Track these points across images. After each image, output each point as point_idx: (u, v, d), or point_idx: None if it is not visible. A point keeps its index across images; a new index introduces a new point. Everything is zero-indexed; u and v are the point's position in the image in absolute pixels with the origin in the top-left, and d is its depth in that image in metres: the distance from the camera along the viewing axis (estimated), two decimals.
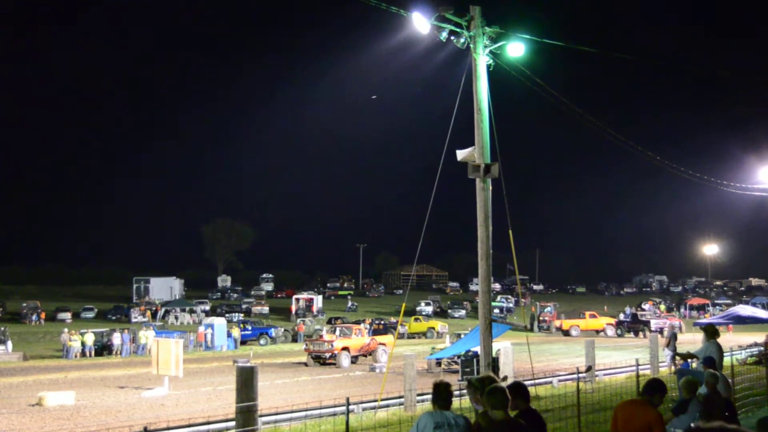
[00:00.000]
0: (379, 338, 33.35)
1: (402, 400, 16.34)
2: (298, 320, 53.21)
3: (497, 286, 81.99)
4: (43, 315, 56.58)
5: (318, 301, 65.17)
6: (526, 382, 18.59)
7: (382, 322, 51.19)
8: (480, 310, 11.76)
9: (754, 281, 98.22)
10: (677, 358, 18.48)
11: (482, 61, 11.73)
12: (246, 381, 10.30)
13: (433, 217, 13.82)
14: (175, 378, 21.94)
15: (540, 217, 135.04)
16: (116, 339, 38.91)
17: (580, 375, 13.35)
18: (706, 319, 35.77)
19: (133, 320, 54.79)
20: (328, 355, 29.78)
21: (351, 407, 11.06)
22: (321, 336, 34.01)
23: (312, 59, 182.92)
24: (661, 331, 41.35)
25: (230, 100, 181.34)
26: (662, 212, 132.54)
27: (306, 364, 30.13)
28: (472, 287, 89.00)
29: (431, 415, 5.28)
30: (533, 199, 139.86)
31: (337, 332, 32.16)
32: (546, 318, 57.51)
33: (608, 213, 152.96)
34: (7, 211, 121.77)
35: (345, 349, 30.13)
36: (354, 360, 30.63)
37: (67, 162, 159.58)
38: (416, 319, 54.98)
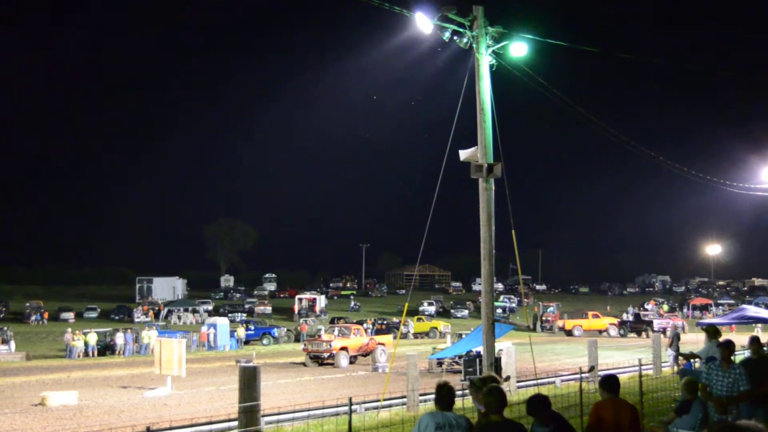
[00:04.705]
0: (378, 338, 33.25)
1: (404, 400, 16.35)
2: (301, 320, 53.28)
3: (500, 286, 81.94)
4: (45, 315, 56.72)
5: (321, 301, 65.19)
6: (529, 383, 18.46)
7: (385, 322, 51.19)
8: (483, 310, 11.75)
9: (757, 281, 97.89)
10: (680, 358, 18.46)
11: (485, 61, 11.73)
12: (249, 381, 10.32)
13: (436, 217, 13.82)
14: (178, 378, 21.95)
15: (543, 217, 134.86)
16: (119, 339, 38.96)
17: (583, 375, 13.33)
18: (710, 319, 35.74)
19: (136, 320, 54.88)
20: (326, 355, 29.61)
21: (354, 407, 11.06)
22: (319, 336, 33.91)
23: (314, 59, 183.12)
24: (663, 331, 41.29)
25: (233, 100, 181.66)
26: (665, 212, 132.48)
27: (304, 364, 30.09)
28: (475, 287, 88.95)
29: (432, 416, 5.28)
30: (536, 199, 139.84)
31: (336, 332, 31.97)
32: (549, 318, 57.50)
33: (611, 213, 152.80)
34: (10, 211, 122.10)
35: (343, 349, 29.95)
36: (353, 360, 30.45)
37: (69, 162, 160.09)
38: (419, 319, 55.00)
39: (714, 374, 7.95)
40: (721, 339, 10.31)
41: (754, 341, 9.43)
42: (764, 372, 8.49)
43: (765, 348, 22.87)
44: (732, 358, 8.29)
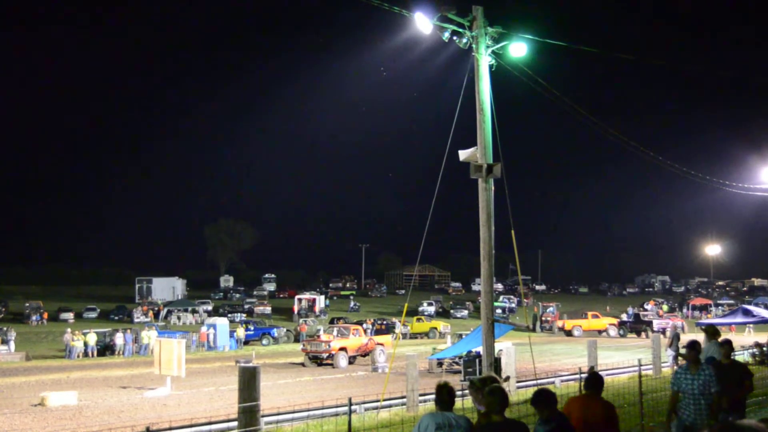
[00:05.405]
0: (377, 338, 33.25)
1: (404, 400, 16.35)
2: (301, 320, 53.26)
3: (499, 287, 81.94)
4: (45, 315, 56.72)
5: (320, 301, 65.18)
6: (528, 383, 18.41)
7: (385, 322, 51.17)
8: (482, 310, 11.74)
9: (757, 281, 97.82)
10: (680, 358, 18.47)
11: (484, 61, 11.72)
12: (248, 381, 10.31)
13: (436, 217, 13.81)
14: (178, 378, 21.95)
15: (542, 217, 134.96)
16: (119, 339, 38.97)
17: (583, 375, 13.33)
18: (709, 320, 35.75)
19: (136, 320, 54.91)
20: (325, 355, 29.58)
21: (353, 407, 11.05)
22: (318, 336, 33.87)
23: (313, 59, 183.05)
24: (663, 331, 41.29)
25: (232, 100, 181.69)
26: (665, 212, 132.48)
27: (303, 365, 30.05)
28: (475, 287, 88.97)
29: (433, 416, 5.29)
30: (536, 200, 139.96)
31: (335, 332, 31.93)
32: (548, 318, 57.47)
33: (610, 213, 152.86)
34: (10, 211, 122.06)
35: (342, 349, 29.91)
36: (352, 360, 30.43)
37: (70, 162, 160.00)
38: (418, 320, 55.01)
39: (683, 378, 7.49)
40: (720, 339, 10.31)
41: (725, 344, 9.25)
42: (733, 379, 8.30)
43: (765, 347, 22.75)
44: (699, 358, 7.78)
